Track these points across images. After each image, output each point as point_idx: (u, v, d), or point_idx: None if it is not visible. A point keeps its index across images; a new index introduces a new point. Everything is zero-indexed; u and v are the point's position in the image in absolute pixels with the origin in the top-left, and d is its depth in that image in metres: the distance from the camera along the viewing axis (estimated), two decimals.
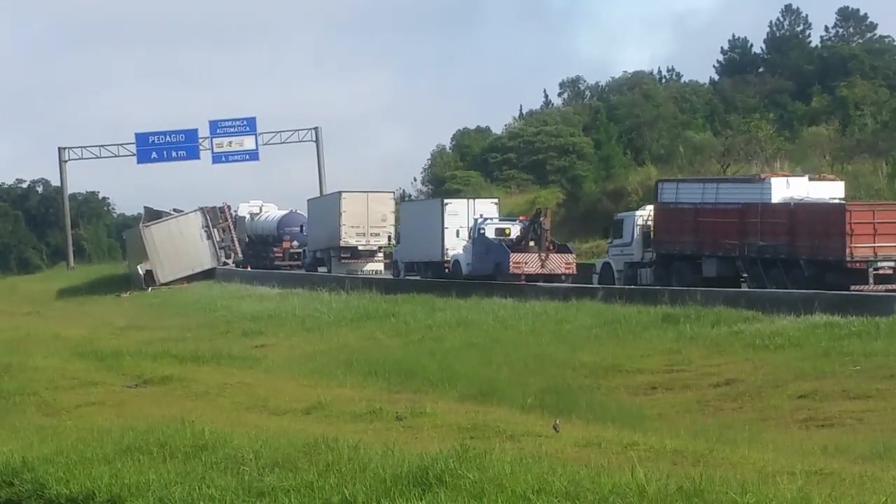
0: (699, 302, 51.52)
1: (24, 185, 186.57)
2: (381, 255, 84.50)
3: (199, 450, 24.17)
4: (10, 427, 31.70)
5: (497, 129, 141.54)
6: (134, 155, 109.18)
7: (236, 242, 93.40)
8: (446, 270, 73.19)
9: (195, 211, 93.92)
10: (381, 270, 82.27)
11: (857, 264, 53.84)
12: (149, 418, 29.56)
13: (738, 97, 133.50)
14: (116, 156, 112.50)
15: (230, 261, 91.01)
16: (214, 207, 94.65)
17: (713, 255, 61.67)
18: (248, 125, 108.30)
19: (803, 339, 43.14)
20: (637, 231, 66.30)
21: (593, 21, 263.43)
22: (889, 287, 52.33)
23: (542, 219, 69.30)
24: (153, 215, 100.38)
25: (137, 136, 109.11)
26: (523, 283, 65.60)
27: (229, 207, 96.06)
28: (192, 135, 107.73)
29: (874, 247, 53.90)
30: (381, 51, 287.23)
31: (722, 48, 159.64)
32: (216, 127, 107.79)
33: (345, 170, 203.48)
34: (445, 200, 78.57)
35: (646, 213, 67.31)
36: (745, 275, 60.57)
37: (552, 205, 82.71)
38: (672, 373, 41.60)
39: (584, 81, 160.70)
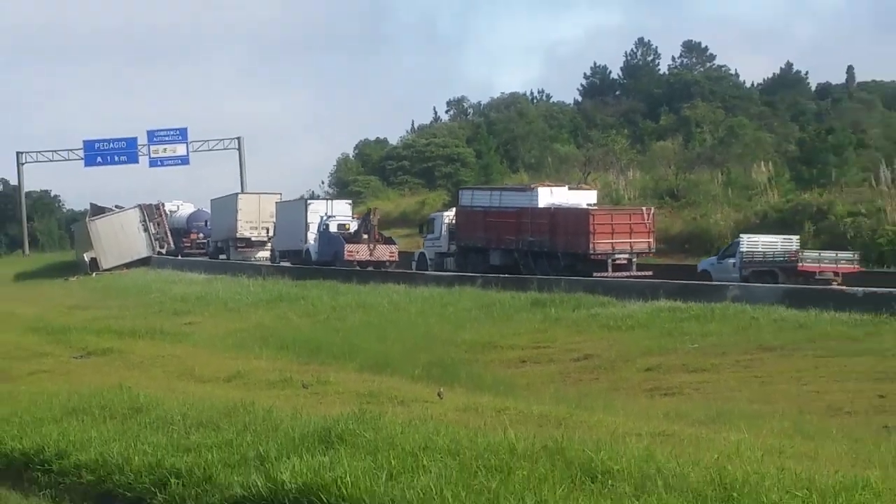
0: (563, 289, 52.79)
1: None
2: (269, 245, 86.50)
3: (134, 412, 24.84)
4: None
5: (393, 140, 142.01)
6: (82, 159, 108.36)
7: (169, 235, 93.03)
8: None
9: (134, 208, 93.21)
10: (266, 258, 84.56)
11: (599, 256, 61.06)
12: (92, 384, 29.95)
13: (597, 116, 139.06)
14: (67, 160, 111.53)
15: (163, 250, 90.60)
16: (150, 205, 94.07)
17: (497, 248, 68.04)
18: (181, 134, 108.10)
19: (649, 321, 44.15)
20: (444, 228, 73.01)
21: (477, 48, 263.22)
22: (624, 273, 60.07)
23: (371, 217, 74.93)
24: (97, 211, 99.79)
25: (85, 142, 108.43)
26: (353, 267, 70.90)
27: (163, 205, 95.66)
28: (132, 142, 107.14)
29: (612, 242, 61.29)
30: (298, 70, 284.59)
31: (585, 74, 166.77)
32: (153, 136, 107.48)
33: (265, 174, 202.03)
34: (308, 201, 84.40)
35: (451, 214, 73.55)
36: (522, 263, 65.50)
37: (439, 205, 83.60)
38: (539, 349, 42.23)
39: (468, 100, 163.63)
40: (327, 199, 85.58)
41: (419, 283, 61.25)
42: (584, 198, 67.16)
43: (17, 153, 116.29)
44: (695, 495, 14.27)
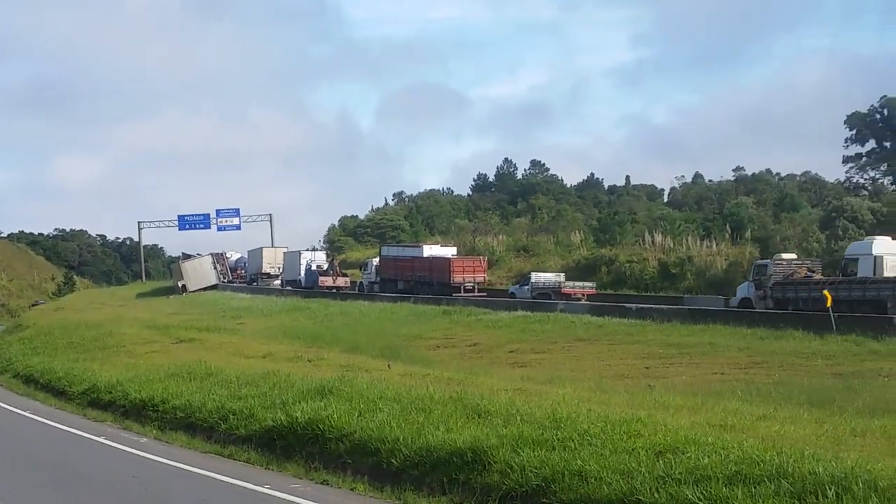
0: (461, 304, 53.26)
1: (121, 239, 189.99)
2: (280, 277, 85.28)
3: (208, 375, 24.74)
4: (111, 364, 32.11)
5: (361, 216, 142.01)
6: (177, 225, 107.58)
7: (228, 271, 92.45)
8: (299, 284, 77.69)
9: (208, 255, 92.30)
10: (279, 285, 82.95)
11: (456, 283, 62.05)
12: (182, 359, 29.64)
13: (480, 203, 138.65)
14: (168, 226, 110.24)
15: (225, 280, 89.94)
16: (217, 253, 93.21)
17: (401, 280, 67.65)
18: (236, 212, 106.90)
19: (512, 323, 44.40)
20: (373, 267, 72.43)
21: (411, 162, 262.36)
22: (471, 293, 60.76)
23: (334, 262, 78.86)
24: (186, 256, 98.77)
25: (179, 216, 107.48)
26: (325, 291, 70.59)
27: (224, 253, 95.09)
28: (206, 216, 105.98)
29: (463, 276, 62.70)
30: (306, 173, 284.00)
31: (473, 178, 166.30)
32: (219, 212, 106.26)
33: (285, 235, 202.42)
34: (301, 251, 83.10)
35: (377, 260, 73.29)
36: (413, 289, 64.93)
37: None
38: (447, 339, 42.25)
39: (406, 193, 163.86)
40: (312, 251, 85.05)
41: (377, 300, 60.68)
42: (449, 251, 69.40)
43: (139, 222, 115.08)
44: (538, 425, 14.25)
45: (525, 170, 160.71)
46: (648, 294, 56.83)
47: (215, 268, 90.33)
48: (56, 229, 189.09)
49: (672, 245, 69.49)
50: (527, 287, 58.63)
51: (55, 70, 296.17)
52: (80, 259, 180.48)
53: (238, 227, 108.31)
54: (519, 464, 12.49)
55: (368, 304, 58.32)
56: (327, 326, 47.03)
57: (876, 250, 40.13)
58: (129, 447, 19.09)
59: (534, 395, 18.47)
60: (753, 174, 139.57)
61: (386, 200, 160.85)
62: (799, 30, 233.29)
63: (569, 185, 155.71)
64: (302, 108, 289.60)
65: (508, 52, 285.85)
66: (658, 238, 72.14)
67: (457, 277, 62.36)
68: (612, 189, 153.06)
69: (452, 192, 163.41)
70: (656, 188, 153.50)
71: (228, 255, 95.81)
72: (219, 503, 13.98)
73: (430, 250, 68.41)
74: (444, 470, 13.47)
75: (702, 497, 10.38)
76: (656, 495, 10.69)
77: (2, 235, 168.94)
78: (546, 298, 54.19)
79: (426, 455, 13.98)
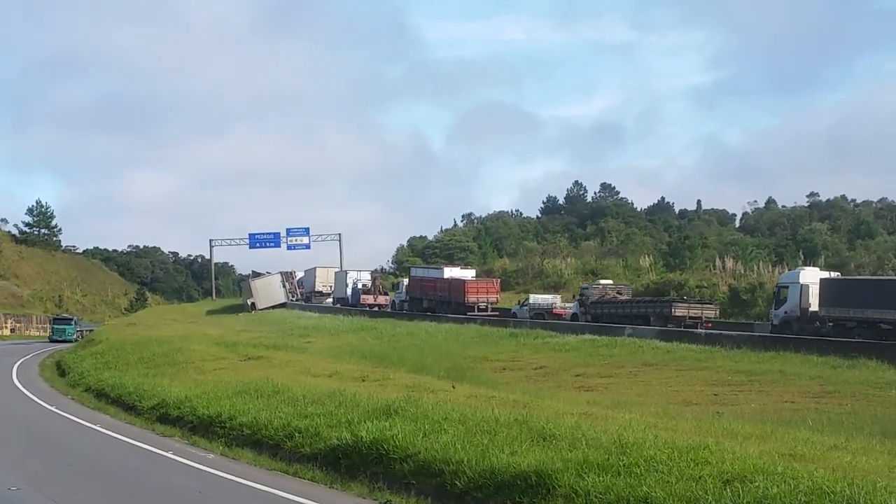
0: (528, 327, 53.13)
1: (192, 257, 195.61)
2: (332, 295, 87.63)
3: (275, 393, 24.88)
4: (180, 380, 32.48)
5: (430, 237, 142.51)
6: (247, 243, 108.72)
7: (297, 290, 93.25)
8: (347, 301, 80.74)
9: (277, 273, 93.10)
10: (331, 302, 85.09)
11: (470, 303, 64.88)
12: (250, 377, 30.03)
13: (549, 225, 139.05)
14: (238, 244, 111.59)
15: (294, 299, 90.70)
16: (287, 272, 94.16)
17: (425, 299, 70.78)
18: (305, 231, 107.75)
19: (579, 346, 44.13)
20: (403, 287, 76.17)
21: (481, 183, 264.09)
22: (485, 313, 63.71)
23: (377, 280, 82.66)
24: (256, 274, 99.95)
25: (249, 234, 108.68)
26: (369, 308, 74.95)
27: (293, 272, 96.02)
28: (276, 235, 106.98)
29: (477, 297, 65.59)
30: (376, 194, 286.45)
31: (542, 200, 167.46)
32: (289, 231, 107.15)
33: (354, 255, 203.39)
34: (348, 271, 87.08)
35: (406, 280, 77.12)
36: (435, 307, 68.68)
37: None
38: (513, 361, 42.05)
39: (475, 214, 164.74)
40: (358, 271, 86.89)
41: (443, 321, 60.66)
42: (468, 274, 72.57)
43: (210, 240, 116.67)
44: (604, 450, 14.11)
45: (595, 192, 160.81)
46: (719, 320, 56.10)
47: (284, 286, 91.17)
48: (130, 246, 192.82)
49: (743, 271, 68.79)
50: (526, 308, 62.96)
51: (126, 87, 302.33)
52: (152, 275, 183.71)
53: (308, 247, 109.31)
54: (584, 488, 12.39)
55: (435, 325, 58.34)
56: (394, 346, 47.07)
57: (803, 279, 45.96)
58: (196, 463, 19.24)
59: (600, 420, 18.31)
60: (828, 200, 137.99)
61: (455, 221, 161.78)
62: (879, 53, 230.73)
63: (639, 209, 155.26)
64: (373, 127, 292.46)
65: (580, 72, 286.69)
66: (729, 263, 71.57)
67: (471, 297, 65.79)
68: (683, 213, 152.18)
69: (521, 213, 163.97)
70: (728, 213, 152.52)
71: (297, 275, 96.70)
72: None
73: (450, 272, 72.01)
74: (507, 493, 13.38)
75: None
76: None
77: (77, 251, 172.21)
78: (540, 318, 59.07)
79: (490, 477, 13.89)
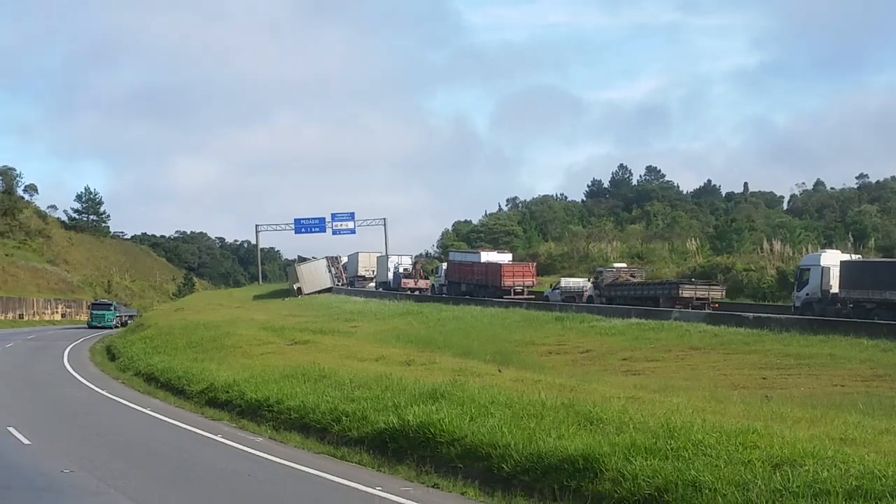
0: (574, 311, 52.52)
1: (238, 242, 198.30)
2: (374, 280, 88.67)
3: (321, 377, 25.08)
4: (227, 364, 32.74)
5: (475, 221, 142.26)
6: (293, 229, 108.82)
7: (344, 275, 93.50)
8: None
9: (323, 258, 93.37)
10: (373, 287, 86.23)
11: (506, 287, 66.31)
12: (297, 361, 30.23)
13: (594, 209, 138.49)
14: (284, 229, 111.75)
15: (339, 284, 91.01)
16: (332, 256, 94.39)
17: (464, 283, 72.43)
18: (351, 216, 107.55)
19: (625, 330, 43.58)
20: (442, 271, 78.57)
21: (526, 167, 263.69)
22: (521, 296, 64.88)
23: (417, 265, 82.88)
24: (302, 259, 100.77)
25: (295, 220, 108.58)
26: (407, 293, 74.85)
27: (339, 257, 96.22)
28: (322, 220, 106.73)
29: (513, 280, 66.96)
30: (420, 179, 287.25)
31: (587, 183, 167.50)
32: (334, 216, 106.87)
33: (399, 240, 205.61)
34: (389, 255, 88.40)
35: (445, 265, 79.76)
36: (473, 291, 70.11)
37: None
38: (559, 345, 41.74)
39: (519, 198, 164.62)
40: (399, 255, 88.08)
41: (488, 305, 60.59)
42: (504, 258, 73.14)
43: (256, 225, 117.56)
44: (651, 434, 14.12)
45: (640, 176, 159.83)
46: (766, 303, 55.58)
47: (330, 271, 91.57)
48: (177, 231, 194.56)
49: (791, 254, 68.04)
50: (557, 291, 63.25)
51: (170, 74, 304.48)
52: (199, 261, 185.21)
53: (353, 231, 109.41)
54: (631, 472, 12.40)
55: (480, 310, 58.21)
56: (439, 331, 47.04)
57: (823, 262, 46.74)
58: (245, 446, 19.44)
59: (647, 404, 18.25)
60: (878, 181, 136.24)
61: (500, 206, 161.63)
62: None
63: (685, 192, 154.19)
64: (417, 112, 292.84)
65: (625, 55, 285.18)
66: (777, 246, 70.79)
67: (507, 281, 66.85)
68: (730, 196, 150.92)
69: (566, 197, 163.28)
70: (775, 195, 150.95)
71: (342, 259, 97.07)
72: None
73: (487, 256, 72.81)
74: (555, 477, 13.43)
75: None
76: None
77: (125, 237, 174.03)
78: (571, 301, 58.76)
79: (537, 461, 13.95)
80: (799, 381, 29.16)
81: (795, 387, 27.83)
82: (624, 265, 66.23)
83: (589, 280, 63.03)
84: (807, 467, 11.51)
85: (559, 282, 65.90)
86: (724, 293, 54.30)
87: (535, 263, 73.91)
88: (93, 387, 34.42)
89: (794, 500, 10.56)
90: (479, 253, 75.80)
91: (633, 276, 60.00)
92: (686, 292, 52.25)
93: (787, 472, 11.40)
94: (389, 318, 56.85)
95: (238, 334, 43.51)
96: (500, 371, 26.29)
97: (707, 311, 48.41)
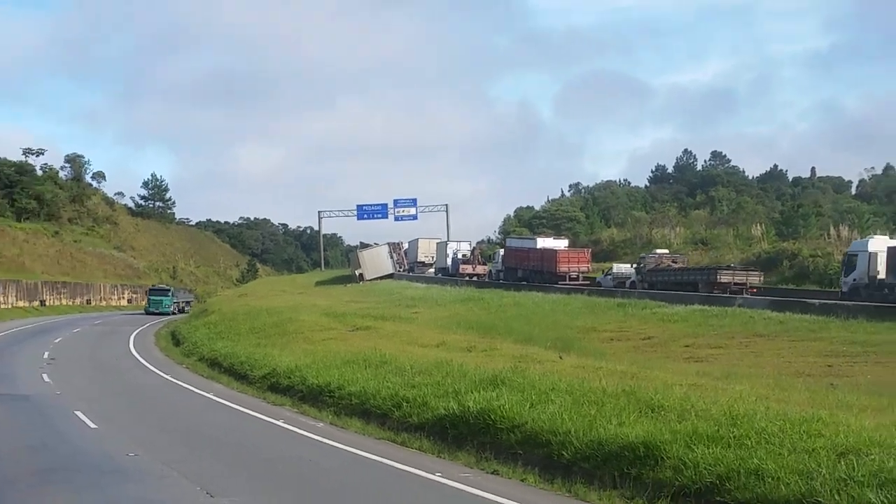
0: (636, 297, 52.33)
1: (301, 228, 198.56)
2: (433, 266, 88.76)
3: (382, 363, 25.24)
4: (290, 350, 33.10)
5: (537, 207, 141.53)
6: (356, 215, 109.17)
7: (405, 261, 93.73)
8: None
9: (385, 244, 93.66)
10: (433, 272, 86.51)
11: (562, 273, 66.58)
12: (358, 347, 30.48)
13: (658, 194, 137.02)
14: (347, 216, 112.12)
15: (401, 269, 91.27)
16: (394, 242, 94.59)
17: (520, 269, 72.38)
18: (413, 202, 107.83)
19: (688, 317, 43.19)
20: (499, 257, 78.34)
21: (589, 152, 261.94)
22: (576, 282, 65.67)
23: (476, 251, 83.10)
24: (364, 246, 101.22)
25: (357, 206, 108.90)
26: (467, 279, 75.98)
27: (401, 243, 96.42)
28: (384, 206, 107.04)
29: (569, 266, 67.25)
30: (483, 165, 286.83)
31: (651, 169, 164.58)
32: (397, 202, 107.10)
33: (461, 226, 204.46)
34: (448, 241, 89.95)
35: (502, 251, 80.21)
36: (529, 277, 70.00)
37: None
38: (621, 332, 41.38)
39: (582, 184, 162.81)
40: (458, 241, 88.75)
41: (550, 291, 60.26)
42: (560, 244, 73.30)
43: (319, 212, 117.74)
44: (714, 421, 14.02)
45: (705, 161, 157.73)
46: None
47: (391, 257, 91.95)
48: (241, 218, 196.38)
49: (859, 239, 67.00)
50: (609, 277, 64.57)
51: (235, 61, 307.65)
52: (262, 247, 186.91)
53: (415, 217, 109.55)
54: (693, 460, 12.33)
55: (542, 296, 57.94)
56: (500, 317, 46.89)
57: (871, 248, 46.92)
58: (307, 431, 19.61)
59: (709, 391, 18.11)
60: None
61: (562, 192, 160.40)
62: None
63: (750, 177, 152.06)
64: (482, 98, 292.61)
65: (692, 38, 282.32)
66: (844, 232, 69.72)
67: (562, 267, 67.18)
68: (797, 181, 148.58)
69: (629, 183, 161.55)
70: (843, 180, 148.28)
71: (404, 245, 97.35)
72: (392, 490, 14.16)
73: (543, 242, 72.89)
74: (615, 464, 13.39)
75: (886, 501, 10.05)
76: (837, 497, 10.41)
77: (190, 223, 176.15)
78: (622, 286, 59.69)
79: (597, 448, 13.92)
80: (865, 369, 28.70)
81: (862, 375, 27.39)
82: (666, 251, 67.77)
83: (632, 266, 64.27)
84: (873, 456, 11.35)
85: (611, 268, 67.27)
86: (761, 278, 55.09)
87: (590, 249, 74.64)
88: (157, 371, 34.99)
89: (859, 490, 10.40)
90: (535, 239, 76.23)
91: (675, 262, 61.68)
92: (724, 277, 53.41)
93: (851, 461, 11.25)
94: (450, 305, 56.89)
95: (300, 320, 43.85)
96: (560, 358, 26.22)
97: (745, 296, 49.21)
